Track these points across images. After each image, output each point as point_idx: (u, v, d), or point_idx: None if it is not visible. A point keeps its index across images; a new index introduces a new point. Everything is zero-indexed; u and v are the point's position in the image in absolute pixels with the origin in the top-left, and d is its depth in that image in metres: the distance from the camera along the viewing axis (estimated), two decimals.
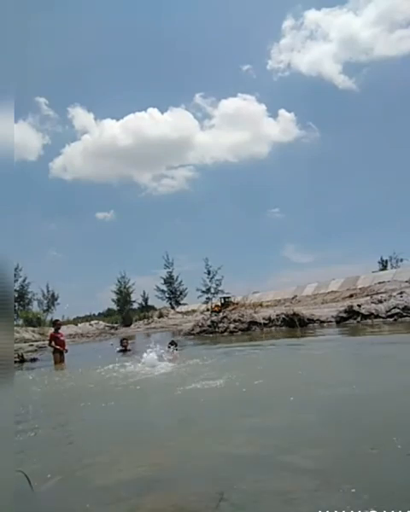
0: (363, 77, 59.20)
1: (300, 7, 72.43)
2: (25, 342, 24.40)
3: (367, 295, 22.39)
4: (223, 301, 36.39)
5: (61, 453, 3.42)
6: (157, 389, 5.71)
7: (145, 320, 44.25)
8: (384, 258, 42.49)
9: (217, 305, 35.10)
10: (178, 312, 47.45)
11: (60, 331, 10.76)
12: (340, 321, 15.05)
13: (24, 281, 46.00)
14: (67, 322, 41.20)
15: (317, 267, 68.49)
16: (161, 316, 45.76)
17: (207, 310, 36.65)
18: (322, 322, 15.69)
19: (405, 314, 13.87)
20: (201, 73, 75.65)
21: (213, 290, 40.83)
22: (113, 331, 37.56)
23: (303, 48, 63.97)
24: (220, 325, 17.07)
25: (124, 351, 11.47)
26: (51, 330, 12.35)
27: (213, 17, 70.03)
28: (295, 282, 42.53)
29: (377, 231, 54.64)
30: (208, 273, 41.06)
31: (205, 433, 3.50)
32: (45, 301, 48.63)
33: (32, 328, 35.54)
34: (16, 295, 42.72)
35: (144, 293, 53.05)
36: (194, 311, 45.02)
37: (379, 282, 29.31)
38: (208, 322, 17.85)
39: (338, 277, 36.96)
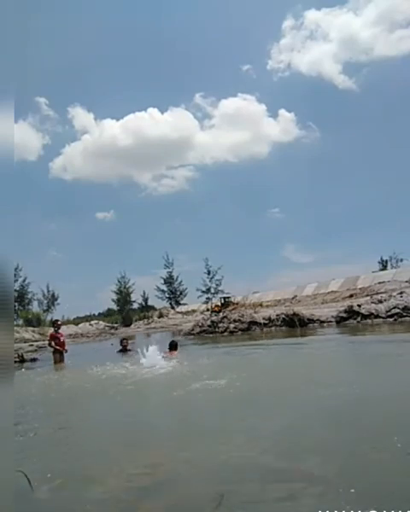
0: (363, 77, 59.17)
1: (300, 7, 72.37)
2: (25, 342, 24.39)
3: (367, 295, 22.38)
4: (223, 301, 36.37)
5: (60, 453, 3.42)
6: (157, 389, 5.71)
7: (145, 320, 44.24)
8: (384, 258, 42.53)
9: (217, 305, 35.07)
10: (178, 312, 47.45)
11: (60, 331, 10.75)
12: (340, 321, 15.05)
13: (24, 281, 46.06)
14: (67, 322, 41.23)
15: (317, 267, 68.60)
16: (161, 316, 45.76)
17: (207, 310, 36.64)
18: (322, 322, 15.70)
19: (405, 314, 13.87)
20: (201, 73, 75.70)
21: (213, 290, 40.83)
22: (113, 331, 37.55)
23: (303, 48, 63.90)
24: (220, 325, 17.07)
25: (124, 351, 11.47)
26: (51, 330, 12.34)
27: (213, 17, 70.04)
28: (295, 282, 42.59)
29: (377, 231, 54.50)
30: (208, 273, 41.07)
31: (205, 433, 3.50)
32: (45, 301, 48.73)
33: (32, 328, 35.55)
34: (16, 295, 42.73)
35: (144, 293, 53.15)
36: (194, 311, 45.01)
37: (379, 282, 29.31)
38: (208, 322, 17.85)
39: (338, 277, 36.98)
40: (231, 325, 16.72)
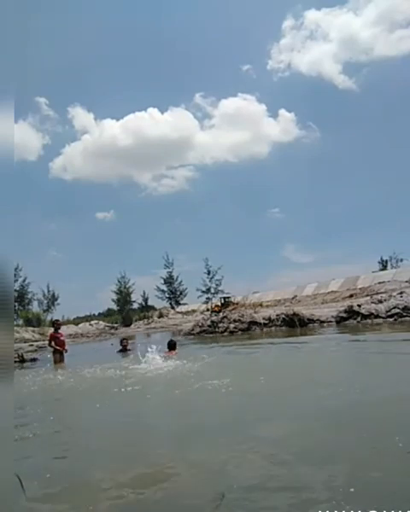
0: (363, 77, 59.33)
1: (300, 7, 72.63)
2: (25, 342, 24.39)
3: (367, 295, 22.37)
4: (223, 301, 36.38)
5: (60, 454, 3.41)
6: (157, 389, 5.71)
7: (145, 320, 44.23)
8: (384, 258, 42.56)
9: (217, 305, 35.08)
10: (178, 312, 47.43)
11: (60, 331, 10.75)
12: (340, 321, 15.04)
13: (24, 281, 46.09)
14: (67, 322, 41.23)
15: (317, 267, 68.60)
16: (161, 316, 45.74)
17: (208, 310, 36.64)
18: (322, 322, 15.69)
19: (405, 314, 13.86)
20: (201, 73, 75.83)
21: (213, 290, 40.88)
22: (113, 331, 37.54)
23: (303, 48, 64.06)
24: (220, 325, 17.06)
25: (124, 351, 11.47)
26: (51, 330, 12.33)
27: (213, 17, 70.16)
28: (295, 282, 42.60)
29: (377, 231, 54.64)
30: (208, 273, 41.10)
31: (205, 433, 3.49)
32: (45, 301, 48.71)
33: (32, 328, 35.55)
34: (16, 295, 42.72)
35: (144, 293, 53.14)
36: (194, 311, 45.00)
37: (379, 282, 29.30)
38: (208, 322, 17.84)
39: (338, 277, 36.97)
40: (231, 325, 16.71)
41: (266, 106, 67.89)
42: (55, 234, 63.53)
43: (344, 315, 15.09)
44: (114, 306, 51.82)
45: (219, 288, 40.63)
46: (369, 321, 14.25)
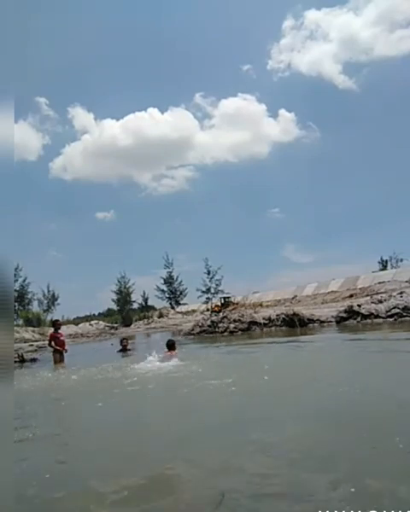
0: (363, 77, 59.32)
1: (300, 7, 72.56)
2: (25, 342, 24.39)
3: (367, 295, 22.37)
4: (223, 301, 36.36)
5: (59, 454, 3.42)
6: (157, 389, 5.70)
7: (145, 320, 44.24)
8: (384, 258, 42.49)
9: (217, 305, 35.05)
10: (178, 312, 47.43)
11: (60, 331, 10.75)
12: (340, 321, 15.04)
13: (24, 281, 46.04)
14: (67, 322, 41.23)
15: (317, 267, 68.58)
16: (161, 316, 45.75)
17: (208, 310, 36.62)
18: (322, 322, 15.69)
19: (405, 314, 13.86)
20: (201, 73, 75.82)
21: (213, 290, 40.79)
22: (113, 331, 37.55)
23: (303, 48, 64.09)
24: (220, 325, 17.06)
25: (124, 350, 11.47)
26: (51, 330, 12.34)
27: (213, 17, 70.16)
28: (295, 282, 42.58)
29: (377, 231, 54.60)
30: (208, 273, 41.03)
31: (205, 433, 3.49)
32: (45, 301, 48.71)
33: (32, 328, 35.54)
34: (16, 295, 42.71)
35: (144, 293, 53.15)
36: (194, 311, 44.99)
37: (379, 282, 29.29)
38: (208, 322, 17.84)
39: (338, 277, 36.96)
40: (231, 325, 16.71)
41: (266, 106, 67.96)
42: (55, 234, 63.64)
43: (344, 315, 15.09)
44: (114, 306, 51.91)
45: (219, 288, 40.61)
46: (369, 321, 14.25)
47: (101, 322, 45.80)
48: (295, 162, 63.19)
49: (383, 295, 16.75)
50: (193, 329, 18.33)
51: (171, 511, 2.28)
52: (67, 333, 26.11)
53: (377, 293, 20.83)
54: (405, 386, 4.37)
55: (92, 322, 45.36)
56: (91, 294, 75.74)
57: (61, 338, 10.53)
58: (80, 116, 69.10)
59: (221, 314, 18.68)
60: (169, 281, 50.77)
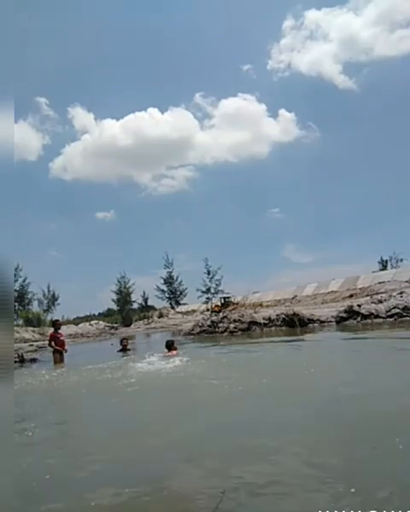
0: (363, 77, 59.23)
1: (300, 7, 72.36)
2: (25, 342, 24.39)
3: (367, 295, 22.37)
4: (223, 301, 36.35)
5: (59, 454, 3.42)
6: (157, 389, 5.70)
7: (145, 320, 44.24)
8: (384, 258, 42.49)
9: (217, 305, 35.04)
10: (178, 312, 47.43)
11: (60, 331, 10.75)
12: (340, 321, 15.04)
13: (24, 281, 45.99)
14: (67, 322, 41.22)
15: (317, 267, 68.52)
16: (161, 316, 45.75)
17: (208, 310, 36.61)
18: (322, 322, 15.68)
19: (405, 314, 13.86)
20: (201, 73, 75.69)
21: (213, 290, 40.74)
22: (113, 331, 37.54)
23: (303, 48, 64.00)
24: (220, 325, 17.06)
25: (124, 350, 11.47)
26: (51, 330, 12.34)
27: (213, 17, 70.06)
28: (295, 282, 42.57)
29: (377, 231, 54.49)
30: (208, 273, 40.97)
31: (206, 432, 3.49)
32: (45, 301, 48.70)
33: (32, 328, 35.53)
34: (16, 295, 42.71)
35: (144, 293, 53.11)
36: (194, 311, 44.98)
37: (379, 282, 29.29)
38: (208, 323, 17.83)
39: (338, 277, 36.96)
40: (231, 325, 16.70)
41: (266, 106, 67.71)
42: (55, 234, 63.56)
43: (344, 315, 15.09)
44: (114, 306, 51.86)
45: (219, 288, 40.53)
46: (369, 321, 14.25)
47: (101, 322, 45.79)
48: (295, 162, 63.24)
49: (383, 295, 16.75)
50: (193, 329, 18.32)
51: (171, 511, 2.28)
52: (67, 333, 26.12)
53: (378, 293, 20.84)
54: (405, 387, 4.37)
55: (92, 322, 45.35)
56: (91, 294, 75.75)
57: (61, 338, 10.53)
58: (80, 116, 69.10)
59: (221, 314, 18.67)
60: (169, 281, 50.80)
